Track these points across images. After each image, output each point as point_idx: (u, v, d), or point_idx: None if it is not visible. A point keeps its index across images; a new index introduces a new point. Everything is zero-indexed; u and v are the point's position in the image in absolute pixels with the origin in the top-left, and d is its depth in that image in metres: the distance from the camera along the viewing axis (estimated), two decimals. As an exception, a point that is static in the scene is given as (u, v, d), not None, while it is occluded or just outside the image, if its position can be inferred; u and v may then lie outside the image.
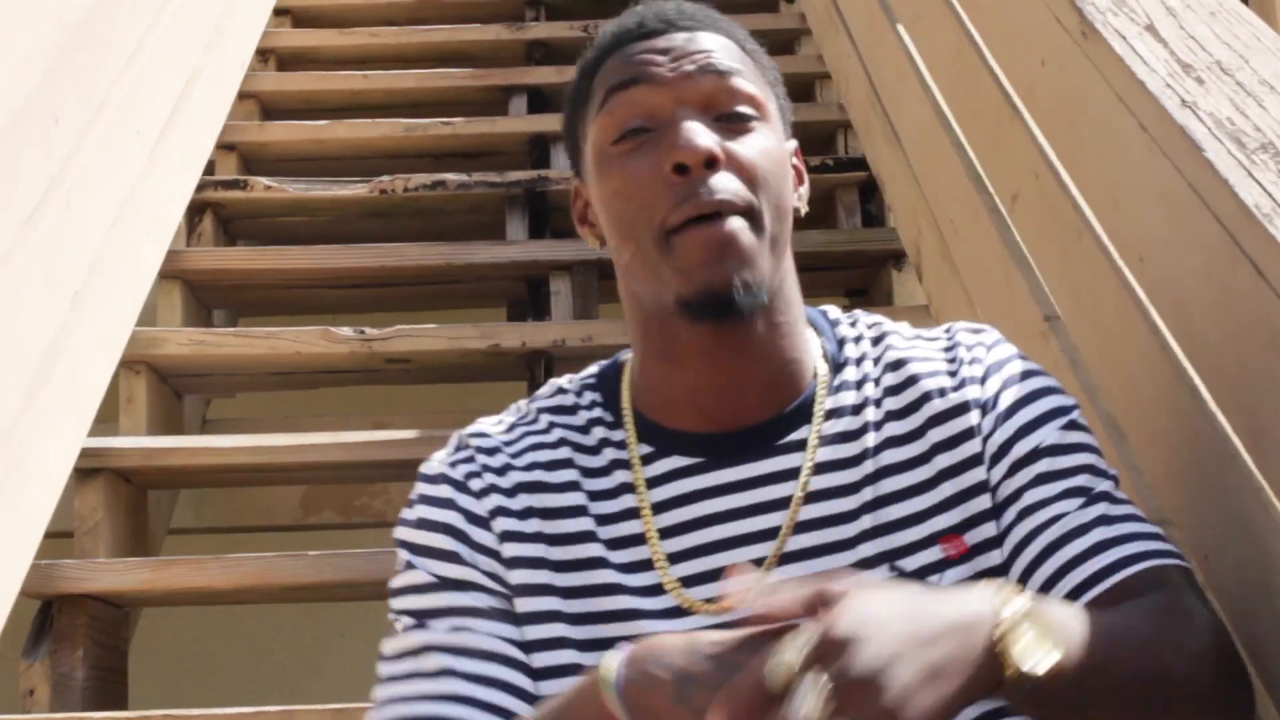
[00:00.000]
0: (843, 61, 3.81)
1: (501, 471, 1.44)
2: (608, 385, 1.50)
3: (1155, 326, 1.78)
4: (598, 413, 1.48)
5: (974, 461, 1.41)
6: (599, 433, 1.46)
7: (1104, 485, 1.41)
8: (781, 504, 1.40)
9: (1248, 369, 1.51)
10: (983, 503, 1.40)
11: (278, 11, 4.67)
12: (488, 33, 4.53)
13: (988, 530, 1.40)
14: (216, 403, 3.67)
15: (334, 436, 2.87)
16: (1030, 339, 2.25)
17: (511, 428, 1.48)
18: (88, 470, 2.77)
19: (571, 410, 1.49)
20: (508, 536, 1.41)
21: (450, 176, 3.69)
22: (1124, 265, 1.88)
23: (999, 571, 1.38)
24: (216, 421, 3.55)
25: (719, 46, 1.44)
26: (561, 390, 1.51)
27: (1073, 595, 1.35)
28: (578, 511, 1.42)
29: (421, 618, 1.39)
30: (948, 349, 1.48)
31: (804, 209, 1.50)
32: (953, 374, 1.46)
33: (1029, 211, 2.30)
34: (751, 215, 1.38)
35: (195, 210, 3.65)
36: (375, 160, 3.96)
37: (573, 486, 1.43)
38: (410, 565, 1.42)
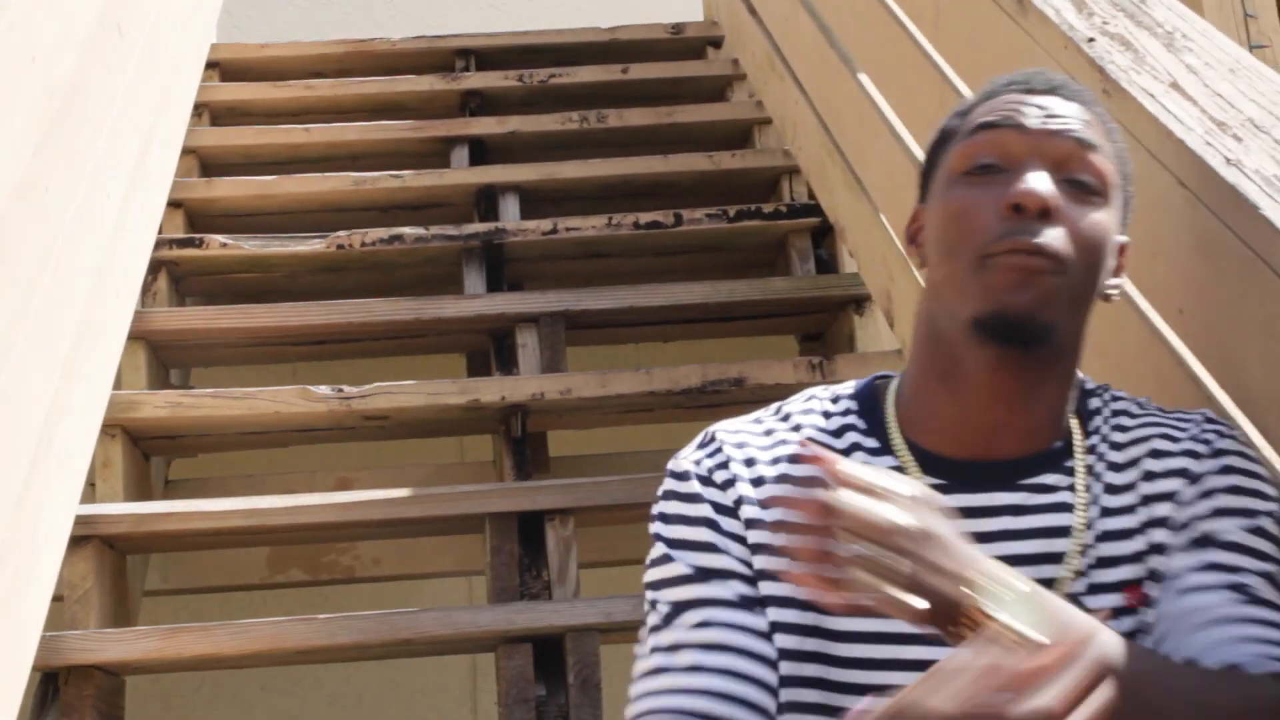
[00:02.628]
0: (789, 108, 3.86)
1: (749, 463, 1.53)
2: (865, 401, 1.59)
3: (1196, 377, 1.84)
4: (851, 419, 1.57)
5: (1162, 524, 1.50)
6: (851, 438, 1.55)
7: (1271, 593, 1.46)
8: (1049, 532, 1.48)
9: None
10: (1155, 563, 1.49)
11: (207, 65, 4.64)
12: (422, 83, 4.54)
13: (1153, 590, 1.48)
14: (177, 463, 3.64)
15: (327, 497, 2.87)
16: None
17: (759, 423, 1.58)
18: (78, 538, 2.75)
19: (824, 415, 1.58)
20: (752, 524, 1.50)
21: (407, 230, 3.69)
22: (1158, 318, 1.93)
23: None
24: (179, 483, 3.52)
25: (1091, 120, 1.56)
26: (815, 397, 1.61)
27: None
28: None
29: (677, 609, 1.48)
30: (1183, 422, 1.57)
31: (1114, 296, 1.58)
32: (1177, 441, 1.54)
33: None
34: (1065, 271, 1.47)
35: (150, 269, 3.61)
36: (323, 214, 3.95)
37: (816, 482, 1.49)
38: (668, 558, 1.51)
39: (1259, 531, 1.49)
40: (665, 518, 1.54)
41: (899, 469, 1.51)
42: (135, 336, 3.33)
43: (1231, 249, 1.72)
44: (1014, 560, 1.42)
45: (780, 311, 3.51)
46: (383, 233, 3.69)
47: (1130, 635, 1.45)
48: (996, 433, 1.52)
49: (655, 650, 1.48)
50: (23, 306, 2.43)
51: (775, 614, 1.47)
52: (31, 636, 2.34)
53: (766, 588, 1.48)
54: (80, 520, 2.73)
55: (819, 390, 1.62)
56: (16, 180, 2.40)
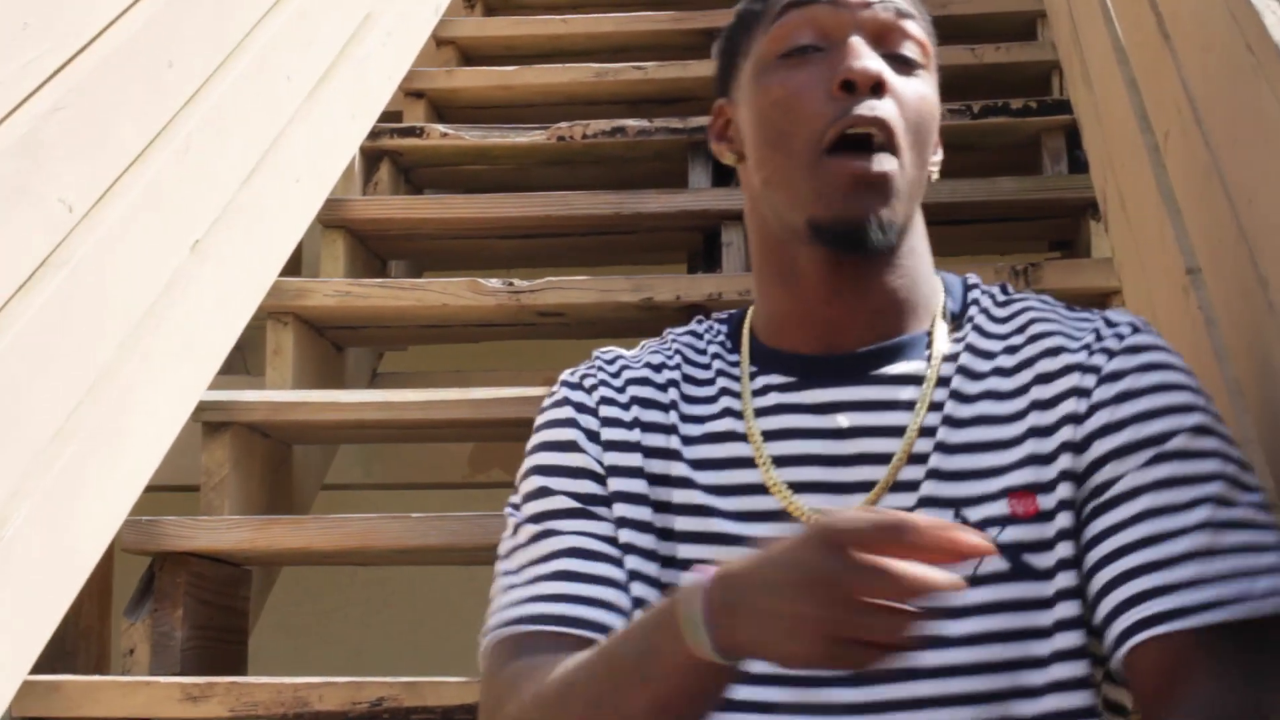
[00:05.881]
0: (1054, -3, 3.54)
1: (615, 374, 1.49)
2: (737, 319, 1.53)
3: (1264, 279, 1.54)
4: (721, 339, 1.51)
5: (1068, 420, 1.35)
6: (714, 351, 1.50)
7: (1230, 511, 1.29)
8: (885, 431, 1.39)
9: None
10: (1063, 463, 1.34)
11: (490, -44, 4.58)
12: (699, -26, 4.35)
13: (1063, 491, 1.33)
14: (390, 357, 3.59)
15: (464, 393, 2.75)
16: (1174, 294, 2.00)
17: (643, 348, 1.55)
18: (215, 424, 2.70)
19: (699, 335, 1.53)
20: (608, 422, 1.45)
21: (630, 123, 3.53)
22: (1239, 210, 1.63)
23: (1065, 536, 1.32)
24: (386, 375, 3.46)
25: None
26: (699, 320, 1.57)
27: (1140, 626, 1.26)
28: (670, 407, 1.46)
29: (523, 524, 1.44)
30: (1088, 323, 1.42)
31: (934, 175, 1.49)
32: (1079, 339, 1.40)
33: (1176, 152, 2.04)
34: (899, 154, 1.38)
35: (372, 158, 3.57)
36: (566, 107, 3.82)
37: (673, 385, 1.48)
38: (527, 472, 1.47)
39: (1204, 430, 1.32)
40: (536, 427, 1.51)
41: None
42: (334, 225, 3.28)
43: (1277, 124, 1.42)
44: (863, 460, 1.38)
45: (1012, 215, 3.22)
46: (604, 124, 3.53)
47: (1019, 548, 1.32)
48: (841, 326, 1.43)
49: (504, 572, 1.45)
50: (125, 179, 2.38)
51: (622, 509, 1.41)
52: (103, 518, 2.29)
53: (615, 483, 1.42)
54: (216, 406, 2.68)
55: (706, 317, 1.58)
56: (110, 52, 2.34)
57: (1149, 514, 1.28)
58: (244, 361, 3.90)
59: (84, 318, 2.25)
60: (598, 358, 1.53)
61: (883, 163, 1.36)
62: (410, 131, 3.59)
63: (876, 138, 1.36)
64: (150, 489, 2.45)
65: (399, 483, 3.50)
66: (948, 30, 4.01)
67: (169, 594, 2.43)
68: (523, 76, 3.87)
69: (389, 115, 3.64)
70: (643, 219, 3.26)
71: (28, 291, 2.13)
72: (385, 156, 3.57)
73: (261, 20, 2.89)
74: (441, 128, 3.58)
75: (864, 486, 1.37)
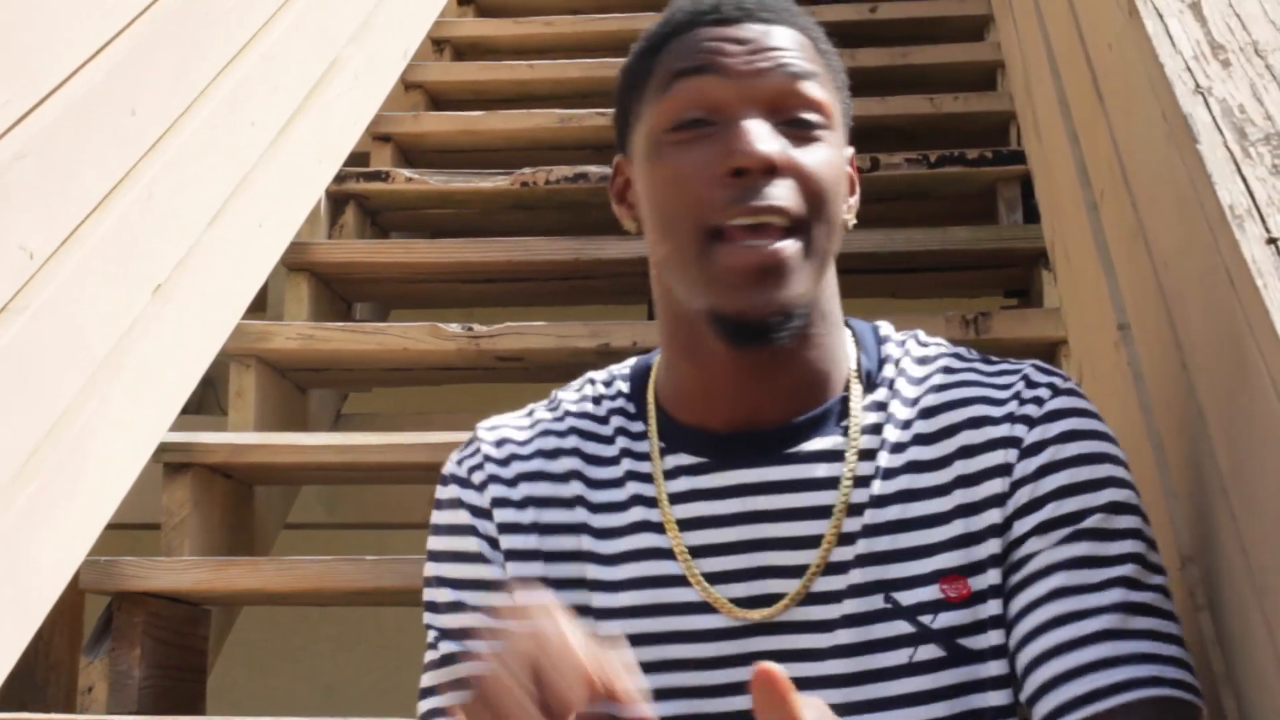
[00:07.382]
0: (1010, 49, 3.60)
1: (505, 462, 1.39)
2: (637, 379, 1.43)
3: (1179, 342, 1.59)
4: (620, 403, 1.41)
5: (994, 502, 1.31)
6: (617, 422, 1.40)
7: (1140, 594, 1.27)
8: (809, 513, 1.32)
9: (1233, 400, 1.32)
10: (991, 547, 1.30)
11: (461, 1, 4.63)
12: (665, 21, 4.41)
13: (993, 577, 1.29)
14: (355, 397, 3.63)
15: (421, 436, 2.79)
16: (1107, 348, 2.06)
17: (530, 415, 1.43)
18: (176, 465, 2.74)
19: (595, 400, 1.43)
20: (505, 529, 1.37)
21: (593, 169, 3.59)
22: (1159, 272, 1.69)
23: (998, 623, 1.29)
24: (349, 417, 3.51)
25: (795, 45, 1.35)
26: (591, 381, 1.45)
27: (1062, 710, 1.25)
28: (574, 502, 1.37)
29: (435, 641, 1.38)
30: (1008, 384, 1.35)
31: (851, 222, 1.39)
32: (1001, 406, 1.33)
33: (1110, 210, 2.10)
34: (804, 231, 1.29)
35: (338, 201, 3.62)
36: (531, 151, 3.88)
37: (574, 476, 1.38)
38: (433, 580, 1.39)
39: (1123, 507, 1.29)
40: (433, 528, 1.41)
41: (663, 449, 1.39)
42: (299, 268, 3.33)
43: (1187, 192, 1.47)
44: (777, 544, 1.31)
45: (967, 264, 3.27)
46: (567, 170, 3.59)
47: (953, 632, 1.28)
48: (751, 405, 1.35)
49: (422, 688, 1.38)
50: (86, 225, 2.42)
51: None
52: (62, 560, 2.33)
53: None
54: (176, 447, 2.72)
55: (598, 373, 1.46)
56: (73, 101, 2.39)
57: (1062, 592, 1.26)
58: (216, 399, 3.95)
59: (44, 362, 2.29)
60: (480, 441, 1.41)
61: (779, 245, 1.27)
62: (375, 175, 3.64)
63: (776, 224, 1.27)
64: (114, 526, 2.49)
65: (363, 522, 3.54)
66: (907, 79, 4.10)
67: (126, 633, 2.46)
68: (488, 121, 3.93)
69: (357, 158, 3.69)
70: (602, 265, 3.32)
71: (-12, 337, 2.17)
72: (351, 200, 3.62)
73: (226, 67, 2.93)
74: (407, 172, 3.64)
75: (793, 571, 1.30)
